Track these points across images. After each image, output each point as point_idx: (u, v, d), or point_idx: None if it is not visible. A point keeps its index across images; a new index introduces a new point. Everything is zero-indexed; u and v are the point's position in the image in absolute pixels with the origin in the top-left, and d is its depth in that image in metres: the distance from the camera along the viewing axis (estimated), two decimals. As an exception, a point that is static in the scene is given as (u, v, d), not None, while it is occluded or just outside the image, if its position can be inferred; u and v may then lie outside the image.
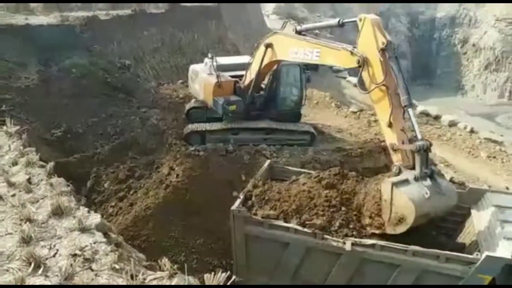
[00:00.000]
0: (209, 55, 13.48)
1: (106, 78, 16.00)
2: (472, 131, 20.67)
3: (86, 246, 4.18)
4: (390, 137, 7.84)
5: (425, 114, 23.30)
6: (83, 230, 4.38)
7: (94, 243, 4.22)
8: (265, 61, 11.67)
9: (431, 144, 7.48)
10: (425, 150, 7.32)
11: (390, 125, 7.78)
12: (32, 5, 19.43)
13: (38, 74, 14.87)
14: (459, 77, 43.09)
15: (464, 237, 7.89)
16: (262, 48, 11.55)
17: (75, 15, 18.61)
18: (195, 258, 9.53)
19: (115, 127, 13.52)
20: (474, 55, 41.56)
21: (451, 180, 12.53)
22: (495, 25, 39.13)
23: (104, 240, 4.23)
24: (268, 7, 52.13)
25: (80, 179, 11.54)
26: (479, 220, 7.61)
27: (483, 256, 6.33)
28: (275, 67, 12.47)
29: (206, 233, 10.03)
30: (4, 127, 7.64)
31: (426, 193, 6.91)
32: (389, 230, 7.24)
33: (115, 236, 5.14)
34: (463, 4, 43.72)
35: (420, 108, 24.45)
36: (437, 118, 22.74)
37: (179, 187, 10.48)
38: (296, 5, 54.62)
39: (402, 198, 7.02)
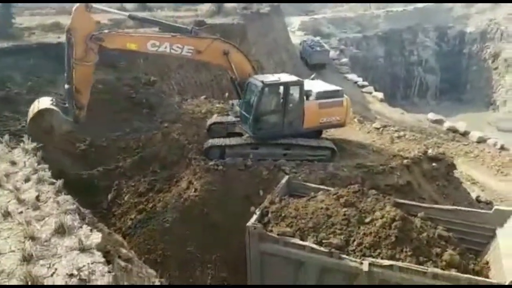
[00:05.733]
0: None
1: (131, 93, 16.39)
2: (502, 148, 19.93)
3: (84, 266, 4.12)
4: None
5: (452, 130, 22.68)
6: (83, 250, 4.31)
7: (92, 263, 4.14)
8: None
9: None
10: None
11: None
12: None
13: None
14: (490, 92, 41.99)
15: (489, 260, 7.52)
16: None
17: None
18: (210, 274, 9.48)
19: (138, 141, 13.73)
20: (506, 70, 40.42)
21: (477, 199, 11.95)
22: (527, 39, 38.04)
23: (102, 260, 4.17)
24: (294, 23, 52.62)
25: (103, 191, 11.78)
26: (505, 242, 7.25)
27: (508, 281, 6.02)
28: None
29: (222, 248, 9.96)
30: (21, 144, 7.70)
31: None
32: None
33: (126, 251, 5.15)
34: (494, 18, 42.79)
35: (447, 124, 23.82)
36: (465, 134, 22.09)
37: (196, 202, 10.51)
38: (322, 21, 54.72)
39: None
